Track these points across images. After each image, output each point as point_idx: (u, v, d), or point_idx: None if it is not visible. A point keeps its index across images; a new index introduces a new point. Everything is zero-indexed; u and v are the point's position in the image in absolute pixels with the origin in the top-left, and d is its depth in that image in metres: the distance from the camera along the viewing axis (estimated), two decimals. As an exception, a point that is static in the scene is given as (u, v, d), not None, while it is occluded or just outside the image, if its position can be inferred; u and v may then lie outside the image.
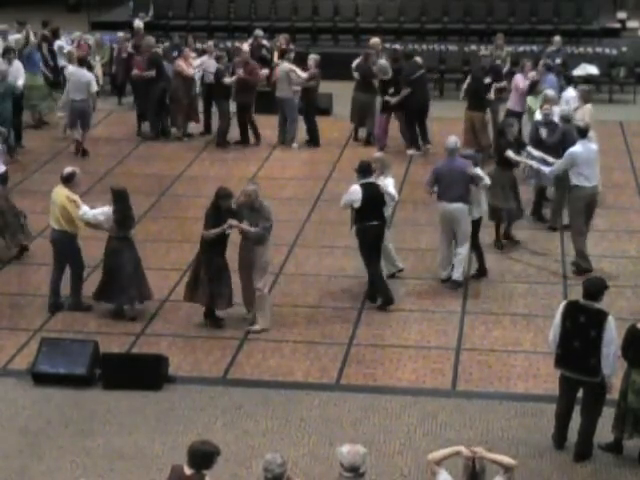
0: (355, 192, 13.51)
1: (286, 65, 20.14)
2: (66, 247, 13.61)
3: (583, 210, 14.48)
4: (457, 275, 14.17)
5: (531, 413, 11.30)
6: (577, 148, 14.42)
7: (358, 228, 13.61)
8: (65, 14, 29.93)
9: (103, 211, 13.33)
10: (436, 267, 14.49)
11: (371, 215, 13.50)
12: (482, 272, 14.49)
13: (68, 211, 13.37)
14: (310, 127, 20.28)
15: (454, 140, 14.28)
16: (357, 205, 13.49)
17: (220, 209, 12.86)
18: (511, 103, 18.97)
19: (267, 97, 21.06)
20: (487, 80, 19.29)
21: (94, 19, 27.85)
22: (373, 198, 13.50)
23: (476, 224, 14.37)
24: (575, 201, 14.53)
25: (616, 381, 10.36)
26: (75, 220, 13.41)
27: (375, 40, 21.18)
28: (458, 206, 13.95)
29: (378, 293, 13.75)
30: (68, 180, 13.57)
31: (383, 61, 19.94)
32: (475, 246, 14.45)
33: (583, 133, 14.63)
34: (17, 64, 19.89)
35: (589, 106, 16.88)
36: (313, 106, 20.28)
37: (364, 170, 13.69)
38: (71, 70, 19.92)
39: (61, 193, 13.49)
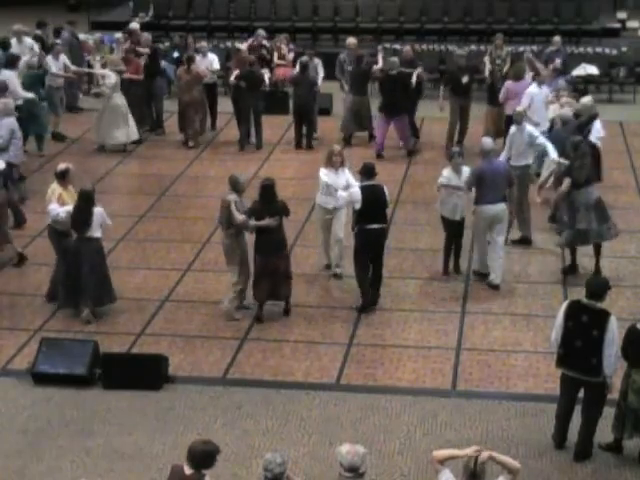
0: (355, 192, 13.52)
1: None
2: (55, 243, 13.75)
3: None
4: (500, 278, 14.25)
5: (531, 413, 11.30)
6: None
7: (357, 230, 13.60)
8: (65, 14, 29.91)
9: (67, 210, 13.39)
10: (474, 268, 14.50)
11: (371, 218, 13.45)
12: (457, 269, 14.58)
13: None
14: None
15: (490, 141, 14.34)
16: (358, 207, 13.49)
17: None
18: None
19: (270, 97, 21.06)
20: (464, 79, 19.37)
21: (94, 19, 27.85)
22: (374, 201, 13.43)
23: (461, 225, 14.42)
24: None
25: (616, 381, 10.37)
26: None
27: (352, 40, 21.04)
28: (503, 206, 14.06)
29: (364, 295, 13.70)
30: (62, 176, 13.67)
31: (394, 58, 19.94)
32: (458, 245, 14.48)
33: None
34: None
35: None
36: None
37: (366, 172, 13.65)
38: None
39: (52, 188, 13.75)
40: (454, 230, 14.43)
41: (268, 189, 13.20)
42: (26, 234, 16.13)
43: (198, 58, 20.66)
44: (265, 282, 13.17)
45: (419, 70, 19.92)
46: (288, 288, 13.42)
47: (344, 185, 14.03)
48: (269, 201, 13.16)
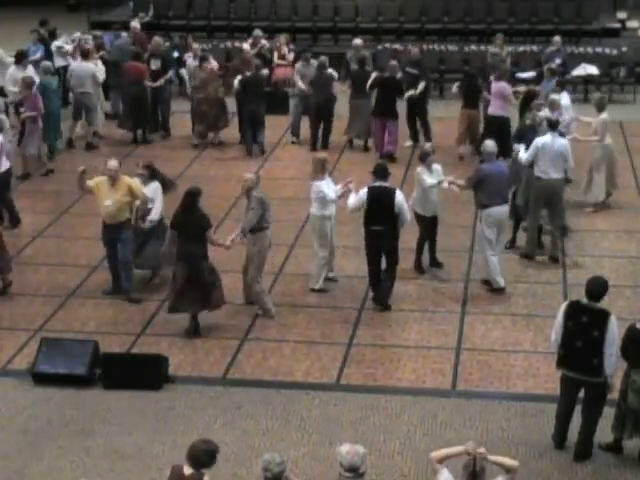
0: (361, 194, 13.50)
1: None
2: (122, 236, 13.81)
3: (541, 202, 14.89)
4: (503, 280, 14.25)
5: (531, 413, 11.30)
6: (544, 138, 14.76)
7: (364, 230, 13.59)
8: (65, 14, 29.95)
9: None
10: (491, 276, 14.17)
11: (375, 219, 13.40)
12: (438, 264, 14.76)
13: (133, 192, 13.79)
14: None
15: (493, 144, 14.21)
16: (365, 207, 13.48)
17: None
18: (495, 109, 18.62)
19: (270, 97, 21.05)
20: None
21: (94, 19, 27.87)
22: (379, 202, 13.34)
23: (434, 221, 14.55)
24: (534, 191, 14.89)
25: (616, 381, 10.36)
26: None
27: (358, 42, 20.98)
28: (507, 208, 14.24)
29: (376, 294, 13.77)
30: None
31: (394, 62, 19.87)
32: (433, 240, 14.64)
33: (553, 126, 14.89)
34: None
35: (604, 115, 16.53)
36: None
37: (377, 173, 13.58)
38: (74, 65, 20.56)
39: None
40: (427, 226, 14.50)
41: (192, 197, 12.93)
42: (26, 234, 16.16)
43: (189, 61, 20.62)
44: (192, 292, 12.80)
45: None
46: (219, 295, 12.96)
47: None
48: (191, 210, 12.86)
